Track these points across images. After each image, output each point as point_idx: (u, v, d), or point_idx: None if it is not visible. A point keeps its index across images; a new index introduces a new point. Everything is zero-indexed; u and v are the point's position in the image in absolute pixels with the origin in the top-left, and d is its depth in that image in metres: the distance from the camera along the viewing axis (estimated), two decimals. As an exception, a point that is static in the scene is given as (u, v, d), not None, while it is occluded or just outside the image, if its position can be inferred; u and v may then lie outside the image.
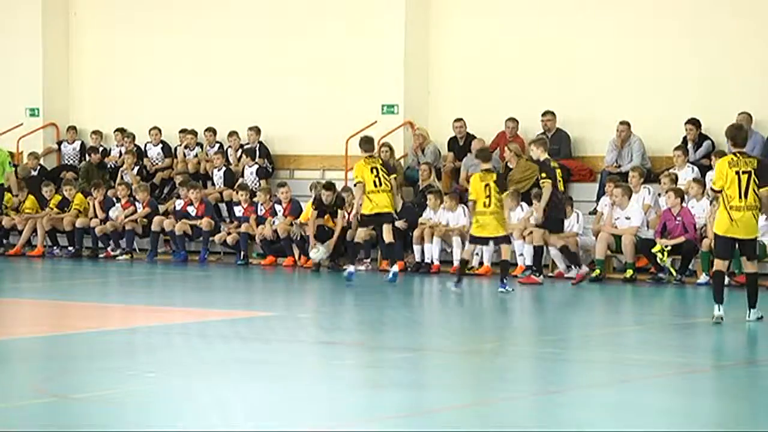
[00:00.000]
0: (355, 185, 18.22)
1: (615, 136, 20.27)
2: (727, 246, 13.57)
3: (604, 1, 21.18)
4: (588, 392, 10.02)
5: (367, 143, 18.17)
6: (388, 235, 18.02)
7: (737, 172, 13.37)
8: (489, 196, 16.82)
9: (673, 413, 9.19)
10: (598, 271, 18.39)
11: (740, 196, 13.36)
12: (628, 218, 18.56)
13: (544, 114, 20.91)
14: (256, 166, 22.67)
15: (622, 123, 20.20)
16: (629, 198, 18.69)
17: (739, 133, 13.78)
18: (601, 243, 18.52)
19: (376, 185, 17.68)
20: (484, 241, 17.39)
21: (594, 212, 19.52)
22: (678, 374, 10.85)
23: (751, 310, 13.67)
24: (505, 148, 20.48)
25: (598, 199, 19.73)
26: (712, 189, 13.98)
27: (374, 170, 17.71)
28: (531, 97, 21.29)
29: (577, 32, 21.22)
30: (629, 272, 18.23)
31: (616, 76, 20.87)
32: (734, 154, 13.61)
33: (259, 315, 14.76)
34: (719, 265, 13.71)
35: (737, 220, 13.38)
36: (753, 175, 13.39)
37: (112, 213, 22.53)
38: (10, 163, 23.08)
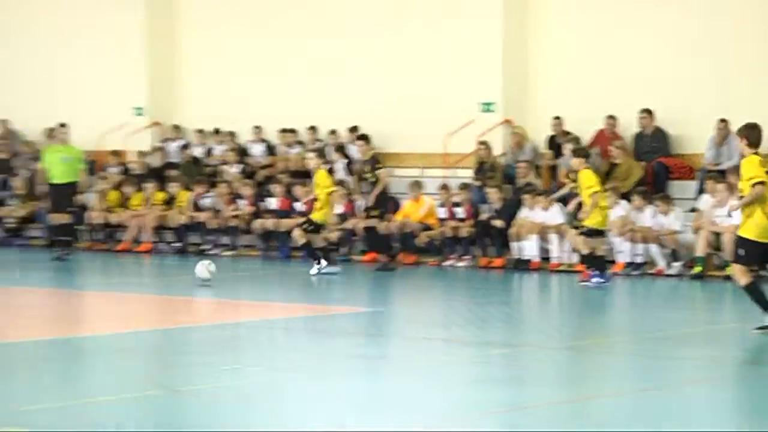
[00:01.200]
0: (330, 194, 19.09)
1: (714, 134, 20.17)
2: (758, 252, 12.50)
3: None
4: (685, 389, 10.03)
5: (320, 156, 19.46)
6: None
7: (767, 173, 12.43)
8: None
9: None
10: (699, 267, 18.32)
11: None
12: (729, 216, 18.41)
13: (640, 112, 20.86)
14: (343, 162, 22.82)
15: (721, 121, 20.07)
16: (732, 194, 18.54)
17: (753, 133, 12.65)
18: (702, 240, 18.44)
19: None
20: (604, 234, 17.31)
21: (693, 210, 19.43)
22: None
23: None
24: (611, 147, 20.56)
25: (698, 196, 19.64)
26: (759, 184, 12.39)
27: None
28: (629, 95, 21.17)
29: (675, 31, 21.08)
30: (729, 269, 18.11)
31: (715, 73, 20.68)
32: (756, 153, 12.59)
33: (358, 311, 14.95)
34: (748, 275, 12.56)
35: None
36: None
37: (207, 202, 22.92)
38: (83, 161, 23.38)
